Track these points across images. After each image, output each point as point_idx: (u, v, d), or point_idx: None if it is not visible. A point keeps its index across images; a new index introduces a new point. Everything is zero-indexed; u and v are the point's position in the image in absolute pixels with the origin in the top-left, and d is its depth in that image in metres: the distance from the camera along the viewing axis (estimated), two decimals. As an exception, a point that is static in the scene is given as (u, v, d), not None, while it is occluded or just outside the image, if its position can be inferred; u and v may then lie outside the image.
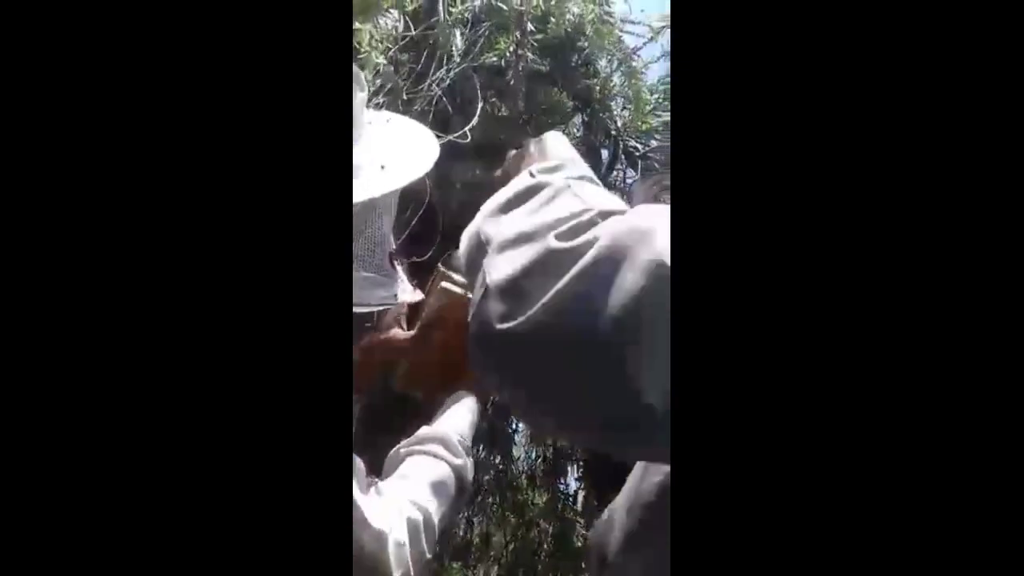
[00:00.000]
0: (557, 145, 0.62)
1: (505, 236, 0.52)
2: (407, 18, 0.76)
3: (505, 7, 0.92)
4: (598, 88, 0.96)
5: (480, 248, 0.53)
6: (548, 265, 0.47)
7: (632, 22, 1.08)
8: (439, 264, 0.81)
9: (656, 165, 1.01)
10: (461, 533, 1.56)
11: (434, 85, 0.85)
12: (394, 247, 0.69)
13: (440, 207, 0.93)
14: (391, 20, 0.70)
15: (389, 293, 0.66)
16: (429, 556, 0.68)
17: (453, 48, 0.81)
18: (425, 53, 0.86)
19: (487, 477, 1.51)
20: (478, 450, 1.52)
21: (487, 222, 0.55)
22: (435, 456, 0.72)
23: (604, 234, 0.48)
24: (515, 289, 0.48)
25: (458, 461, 0.73)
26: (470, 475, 0.75)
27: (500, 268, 0.50)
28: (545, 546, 1.51)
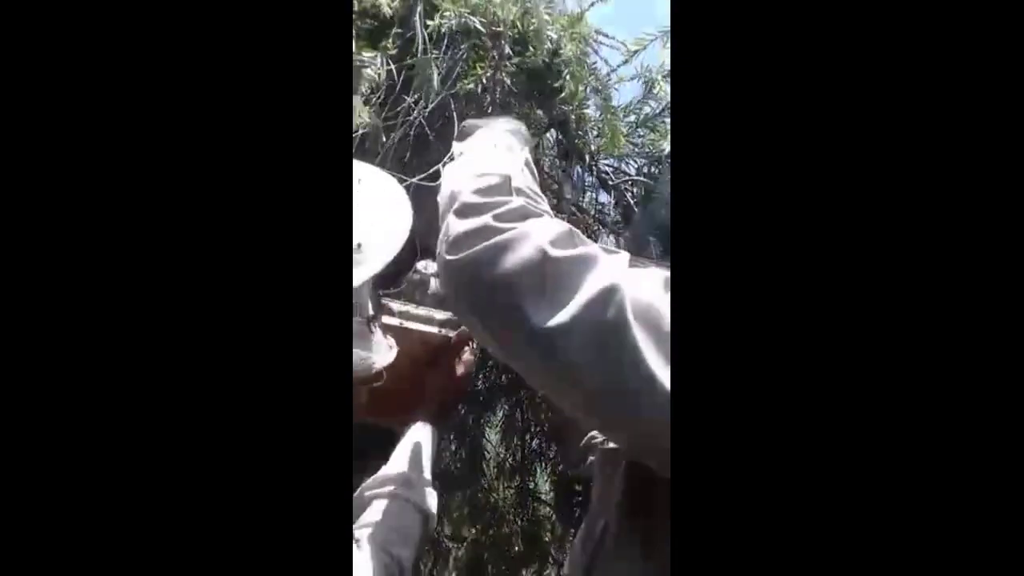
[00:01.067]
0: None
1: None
2: (387, 59, 0.76)
3: (483, 29, 0.92)
4: (573, 115, 0.98)
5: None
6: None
7: (606, 35, 1.09)
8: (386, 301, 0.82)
9: (626, 191, 1.04)
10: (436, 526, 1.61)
11: (413, 112, 0.86)
12: (371, 312, 0.70)
13: (417, 232, 0.95)
14: (373, 68, 0.70)
15: (366, 361, 0.67)
16: None
17: (432, 79, 0.81)
18: (401, 80, 0.86)
19: (455, 468, 1.55)
20: (450, 444, 1.55)
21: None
22: (398, 498, 0.75)
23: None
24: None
25: (420, 499, 0.76)
26: (434, 507, 0.78)
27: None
28: (515, 543, 1.57)
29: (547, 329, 0.49)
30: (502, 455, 1.60)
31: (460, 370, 0.85)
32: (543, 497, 1.61)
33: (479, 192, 0.58)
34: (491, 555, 1.58)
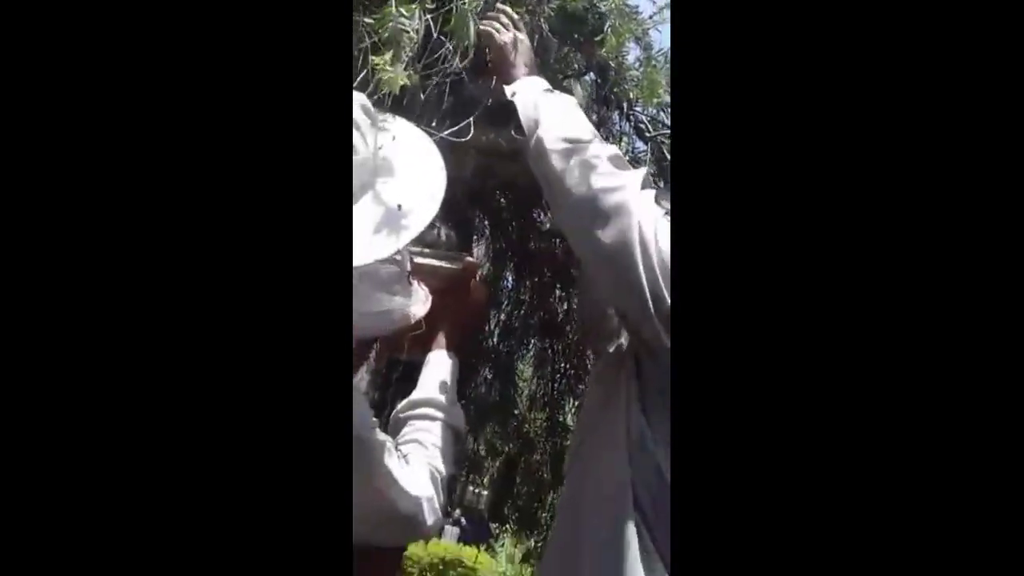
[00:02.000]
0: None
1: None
2: (424, 11, 0.75)
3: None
4: (612, 62, 0.95)
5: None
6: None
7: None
8: None
9: (662, 143, 1.03)
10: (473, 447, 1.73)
11: (451, 61, 0.85)
12: (409, 267, 0.74)
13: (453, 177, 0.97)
14: (411, 25, 0.69)
15: (406, 310, 0.72)
16: (443, 502, 0.80)
17: (470, 28, 0.81)
18: (438, 31, 0.85)
19: (491, 398, 1.63)
20: (485, 375, 1.63)
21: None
22: (430, 418, 0.82)
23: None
24: None
25: (450, 418, 0.83)
26: (462, 423, 0.86)
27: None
28: (543, 472, 1.66)
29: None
30: (533, 388, 1.67)
31: (473, 298, 0.90)
32: (572, 429, 1.69)
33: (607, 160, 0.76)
34: (522, 477, 1.69)
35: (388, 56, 0.68)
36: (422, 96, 0.82)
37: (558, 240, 1.28)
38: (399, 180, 0.68)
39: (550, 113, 0.82)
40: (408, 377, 0.88)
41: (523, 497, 1.68)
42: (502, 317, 1.62)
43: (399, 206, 0.65)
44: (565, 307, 1.43)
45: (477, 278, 0.93)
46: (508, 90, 0.87)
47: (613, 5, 0.88)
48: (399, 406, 0.84)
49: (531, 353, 1.63)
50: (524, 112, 0.83)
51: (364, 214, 0.66)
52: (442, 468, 0.79)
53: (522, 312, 1.54)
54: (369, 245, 0.64)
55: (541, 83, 0.88)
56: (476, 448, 1.78)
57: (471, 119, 0.83)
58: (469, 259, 0.90)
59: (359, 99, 0.68)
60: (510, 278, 1.57)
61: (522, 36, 0.90)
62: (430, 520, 0.76)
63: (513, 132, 0.87)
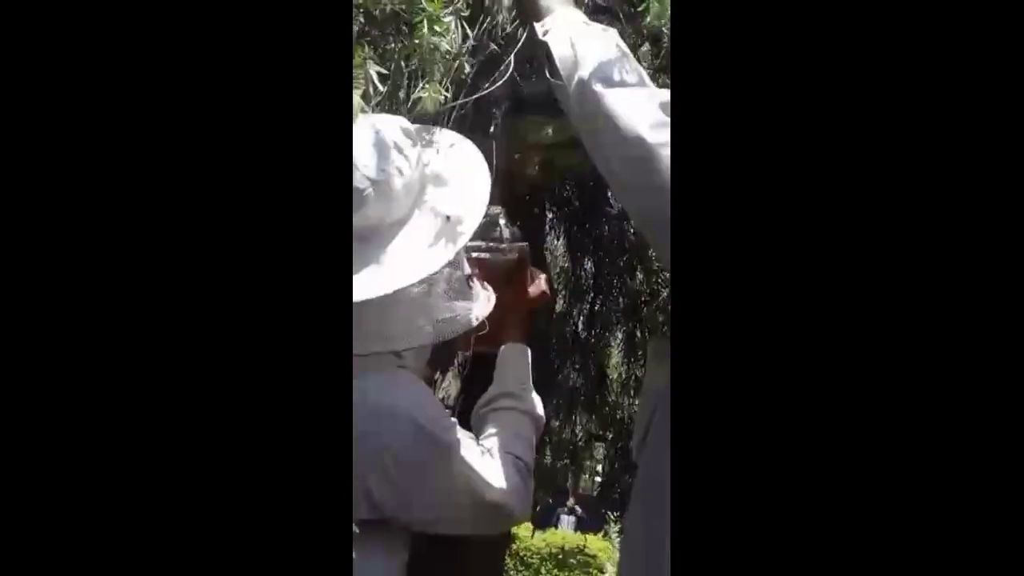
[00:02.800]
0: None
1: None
2: (463, 24, 0.76)
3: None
4: (666, 29, 0.92)
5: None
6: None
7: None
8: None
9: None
10: (567, 435, 1.74)
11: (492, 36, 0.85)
12: (468, 271, 0.75)
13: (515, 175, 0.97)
14: (447, 40, 0.70)
15: (469, 314, 0.74)
16: (530, 489, 0.83)
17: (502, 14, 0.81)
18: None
19: (581, 390, 1.63)
20: (575, 365, 1.63)
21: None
22: (510, 409, 0.85)
23: None
24: None
25: (527, 407, 0.85)
26: (541, 411, 0.88)
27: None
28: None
29: None
30: (624, 374, 1.65)
31: (534, 284, 0.91)
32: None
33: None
34: (621, 463, 1.68)
35: (425, 84, 0.69)
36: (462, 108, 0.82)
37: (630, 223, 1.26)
38: (449, 189, 0.70)
39: (591, 51, 0.72)
40: (485, 374, 0.90)
41: (627, 482, 1.67)
42: (585, 306, 1.61)
43: (448, 217, 0.67)
44: (647, 288, 1.40)
45: (532, 269, 0.94)
46: (539, 28, 0.77)
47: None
48: (479, 403, 0.87)
49: (619, 339, 1.62)
50: (560, 52, 0.73)
51: (419, 228, 0.68)
52: (525, 457, 0.81)
53: (604, 298, 1.52)
54: (428, 258, 0.66)
55: (578, 15, 0.77)
56: (575, 438, 1.79)
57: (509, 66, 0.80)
58: (521, 245, 0.90)
59: (398, 122, 0.70)
60: (589, 264, 1.56)
61: None
62: (519, 509, 0.78)
63: (548, 75, 0.77)
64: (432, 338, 0.75)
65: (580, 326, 1.60)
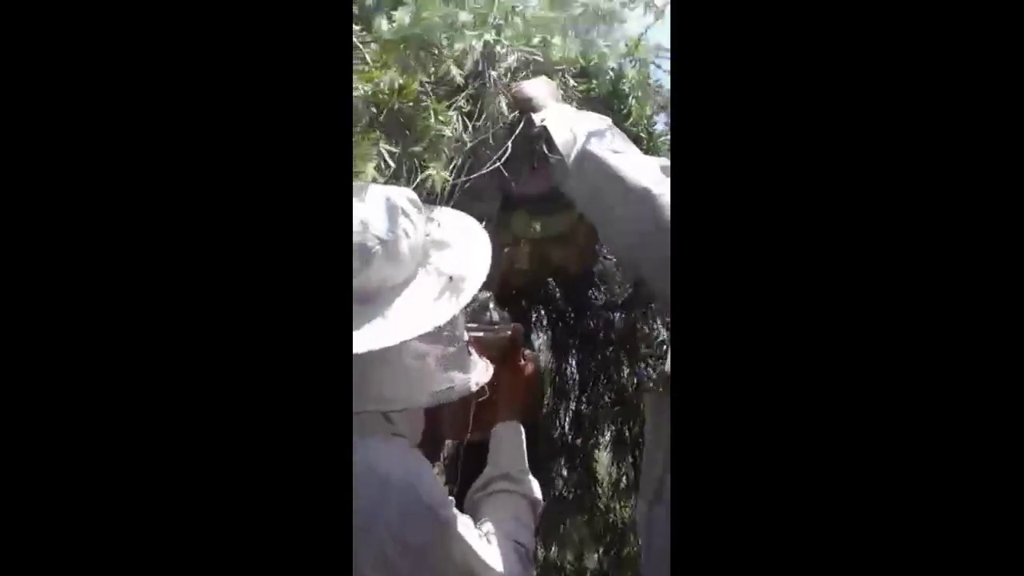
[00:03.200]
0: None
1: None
2: (463, 116, 0.82)
3: (542, 59, 0.97)
4: (643, 134, 1.00)
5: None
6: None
7: (667, 49, 1.11)
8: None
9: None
10: (554, 554, 1.64)
11: (485, 139, 0.91)
12: (467, 339, 0.76)
13: (506, 270, 1.00)
14: (452, 130, 0.76)
15: (468, 383, 0.74)
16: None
17: (502, 107, 0.87)
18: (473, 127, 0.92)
19: (571, 496, 1.56)
20: (560, 470, 1.57)
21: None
22: (506, 492, 0.81)
23: None
24: None
25: (524, 489, 0.82)
26: (539, 494, 0.86)
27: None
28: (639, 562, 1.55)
29: None
30: (614, 475, 1.60)
31: (526, 364, 0.91)
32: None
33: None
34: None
35: (433, 164, 0.74)
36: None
37: (615, 314, 1.28)
38: (451, 252, 0.73)
39: (588, 129, 0.80)
40: (477, 461, 0.87)
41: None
42: (571, 406, 1.59)
43: (450, 277, 0.69)
44: (635, 381, 1.40)
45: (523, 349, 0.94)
46: (536, 117, 0.85)
47: (635, 82, 0.93)
48: (474, 486, 0.83)
49: (607, 439, 1.58)
50: (559, 133, 0.81)
51: (423, 287, 0.69)
52: (525, 541, 0.78)
53: (589, 396, 1.51)
54: (432, 312, 0.67)
55: (570, 109, 0.86)
56: (564, 558, 1.69)
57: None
58: (515, 325, 0.92)
59: (406, 192, 0.74)
60: (573, 364, 1.56)
61: (548, 80, 0.89)
62: None
63: (546, 151, 0.84)
64: (431, 401, 0.74)
65: (567, 427, 1.57)
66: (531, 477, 0.86)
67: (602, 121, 0.84)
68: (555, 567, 1.70)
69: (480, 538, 0.74)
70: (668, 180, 0.73)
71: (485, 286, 0.92)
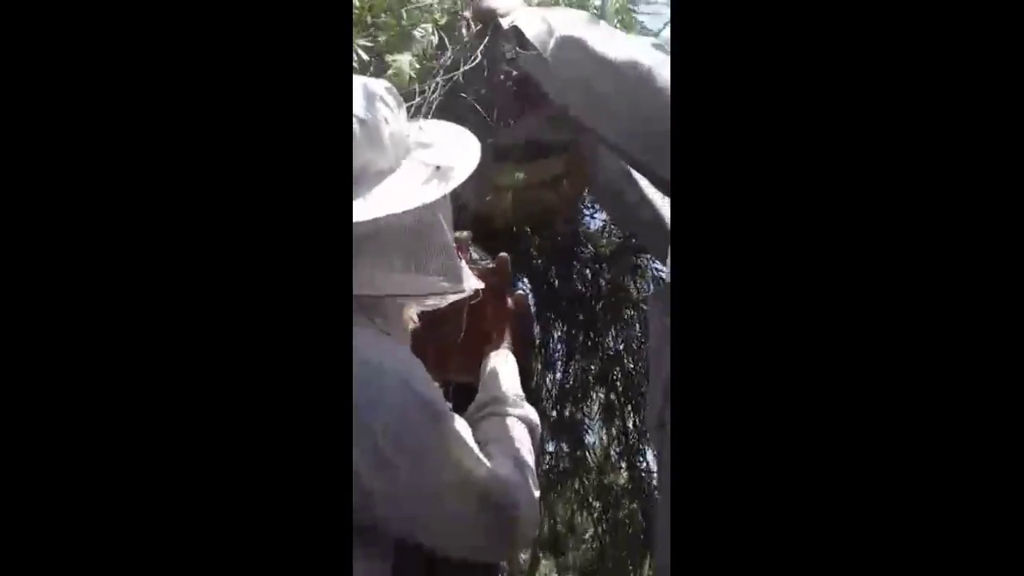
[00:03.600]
0: None
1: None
2: (440, 32, 0.80)
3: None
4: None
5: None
6: None
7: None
8: None
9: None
10: (547, 523, 1.61)
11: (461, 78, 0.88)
12: (451, 239, 0.73)
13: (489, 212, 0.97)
14: (425, 36, 0.74)
15: (457, 283, 0.70)
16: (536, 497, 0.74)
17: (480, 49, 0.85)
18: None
19: (563, 466, 1.54)
20: (551, 442, 1.56)
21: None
22: (504, 415, 0.77)
23: None
24: None
25: (520, 413, 0.78)
26: (536, 419, 0.80)
27: None
28: (634, 526, 1.54)
29: None
30: (607, 442, 1.59)
31: (515, 298, 0.89)
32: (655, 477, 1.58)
33: None
34: (611, 540, 1.56)
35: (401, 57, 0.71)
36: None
37: (603, 274, 1.26)
38: (435, 149, 0.70)
39: (563, 17, 0.74)
40: (467, 403, 0.84)
41: (616, 559, 1.54)
42: (557, 377, 1.57)
43: (438, 167, 0.66)
44: (621, 344, 1.38)
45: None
46: (504, 21, 0.79)
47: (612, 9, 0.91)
48: (468, 411, 0.80)
49: (596, 408, 1.56)
50: (531, 27, 0.74)
51: (408, 174, 0.67)
52: (526, 458, 0.73)
53: (576, 364, 1.49)
54: (418, 193, 0.64)
55: (541, 8, 0.80)
56: (555, 526, 1.67)
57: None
58: (501, 255, 0.89)
59: (383, 83, 0.70)
60: (556, 335, 1.53)
61: None
62: (524, 511, 0.69)
63: (516, 48, 0.77)
64: (422, 289, 0.70)
65: (553, 401, 1.55)
66: (526, 403, 0.81)
67: (579, 12, 0.78)
68: (549, 531, 1.68)
69: (479, 447, 0.69)
70: (665, 56, 0.66)
71: (467, 226, 0.89)
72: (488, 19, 0.84)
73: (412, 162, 0.69)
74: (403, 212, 0.64)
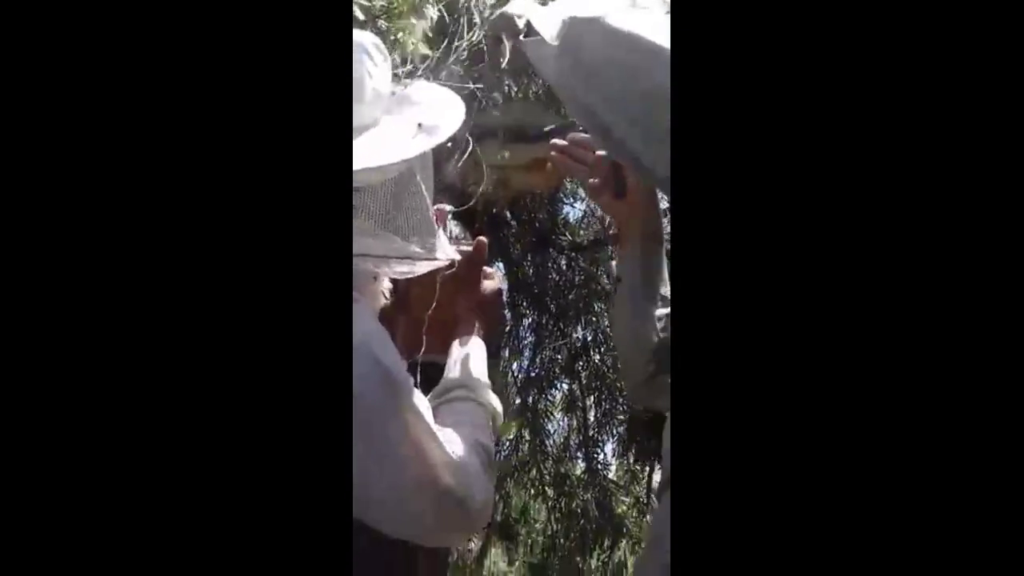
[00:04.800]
0: None
1: None
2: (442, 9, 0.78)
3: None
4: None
5: None
6: None
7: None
8: None
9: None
10: (500, 509, 1.61)
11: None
12: (430, 206, 0.72)
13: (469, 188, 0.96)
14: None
15: (429, 252, 0.69)
16: (493, 482, 0.73)
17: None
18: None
19: (522, 451, 1.55)
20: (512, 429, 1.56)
21: None
22: (465, 400, 0.76)
23: None
24: None
25: (484, 399, 0.77)
26: (498, 406, 0.78)
27: None
28: (588, 515, 1.55)
29: None
30: (567, 432, 1.60)
31: (487, 282, 0.87)
32: (612, 470, 1.59)
33: None
34: (562, 529, 1.56)
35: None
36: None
37: (578, 263, 1.27)
38: (420, 107, 0.69)
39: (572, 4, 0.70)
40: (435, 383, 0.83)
41: (566, 549, 1.55)
42: (524, 364, 1.58)
43: (420, 124, 0.65)
44: (591, 336, 1.39)
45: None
46: (520, 22, 0.76)
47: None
48: (431, 393, 0.79)
49: (559, 398, 1.57)
50: (539, 15, 0.72)
51: (389, 129, 0.65)
52: (485, 445, 0.71)
53: (544, 353, 1.49)
54: (401, 147, 0.62)
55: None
56: (508, 514, 1.67)
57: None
58: (479, 238, 0.88)
59: (370, 37, 0.69)
60: (526, 323, 1.53)
61: None
62: (478, 496, 0.66)
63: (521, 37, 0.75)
64: (397, 252, 0.68)
65: (518, 388, 1.55)
66: (490, 389, 0.82)
67: None
68: (503, 519, 1.68)
69: (439, 429, 0.69)
70: (662, 30, 0.64)
71: (446, 200, 0.88)
72: (508, 28, 0.82)
73: (394, 118, 0.68)
74: (380, 167, 0.63)
